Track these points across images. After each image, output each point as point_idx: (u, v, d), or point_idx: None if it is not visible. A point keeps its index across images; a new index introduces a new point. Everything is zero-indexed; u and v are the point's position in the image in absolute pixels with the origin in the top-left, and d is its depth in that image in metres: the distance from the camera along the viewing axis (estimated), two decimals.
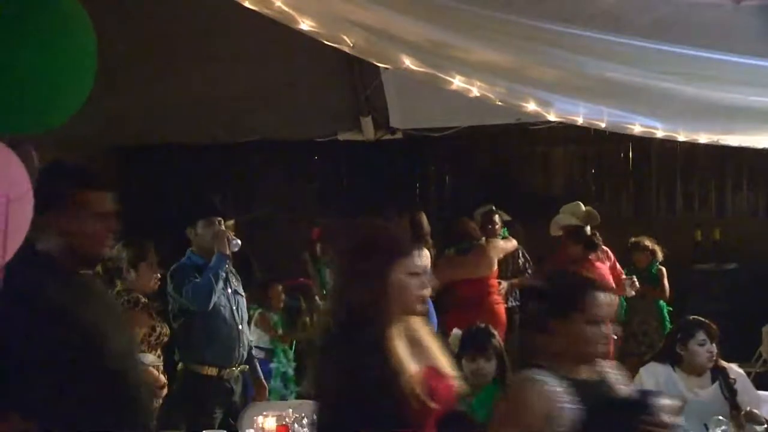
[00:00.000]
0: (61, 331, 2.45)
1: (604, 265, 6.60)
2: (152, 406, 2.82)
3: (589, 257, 6.52)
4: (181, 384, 4.95)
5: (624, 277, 6.78)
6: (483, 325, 4.34)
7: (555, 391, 2.67)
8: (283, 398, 6.39)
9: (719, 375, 4.44)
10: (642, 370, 4.55)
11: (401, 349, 2.62)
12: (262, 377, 5.39)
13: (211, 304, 4.92)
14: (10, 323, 2.41)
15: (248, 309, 6.63)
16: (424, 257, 2.84)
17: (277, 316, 6.82)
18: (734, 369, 4.54)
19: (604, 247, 7.02)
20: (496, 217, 7.46)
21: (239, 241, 5.10)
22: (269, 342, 6.69)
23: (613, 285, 6.39)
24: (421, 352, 2.74)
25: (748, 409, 4.18)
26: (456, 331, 4.28)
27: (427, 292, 2.78)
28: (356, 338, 2.61)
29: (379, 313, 2.63)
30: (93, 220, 2.63)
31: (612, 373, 2.89)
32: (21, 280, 2.48)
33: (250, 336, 6.56)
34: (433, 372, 2.70)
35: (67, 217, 2.61)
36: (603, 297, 2.80)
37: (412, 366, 2.62)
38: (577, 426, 2.64)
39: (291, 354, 6.77)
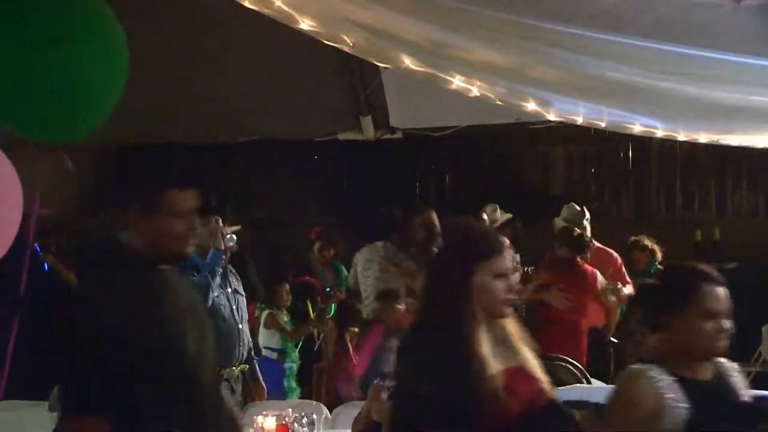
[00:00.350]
0: (135, 327, 2.43)
1: (592, 268, 6.46)
2: (225, 403, 2.80)
3: (578, 259, 6.43)
4: None
5: (605, 283, 6.46)
6: None
7: (664, 388, 2.60)
8: (299, 397, 6.43)
9: None
10: None
11: (483, 349, 2.58)
12: (261, 378, 5.39)
13: (210, 302, 4.92)
14: (86, 317, 2.41)
15: (256, 308, 6.69)
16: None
17: (286, 315, 6.84)
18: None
19: (609, 251, 6.91)
20: (484, 215, 7.40)
21: (234, 237, 5.11)
22: (280, 342, 6.72)
23: (599, 290, 6.34)
24: (507, 352, 2.68)
25: None
26: None
27: (514, 295, 2.71)
28: (437, 337, 2.58)
29: (461, 314, 2.60)
30: (177, 219, 2.62)
31: (733, 373, 2.80)
32: (101, 274, 2.50)
33: (260, 337, 6.62)
34: (517, 372, 2.65)
35: (152, 215, 2.61)
36: (718, 290, 2.69)
37: (493, 366, 2.58)
38: (687, 426, 2.57)
39: (297, 352, 6.80)
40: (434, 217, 6.44)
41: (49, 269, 6.45)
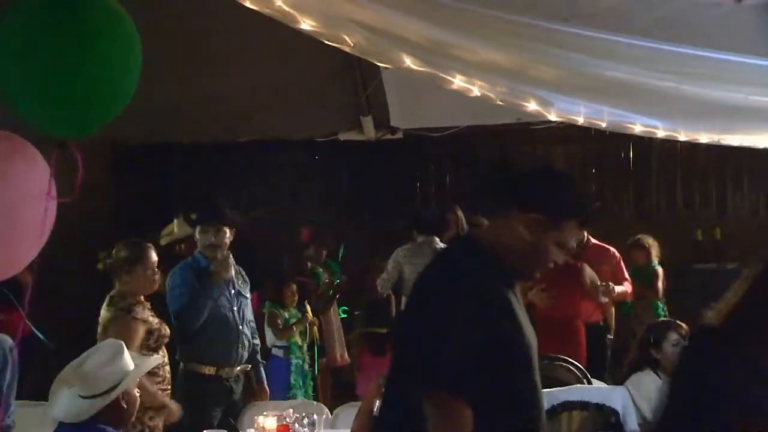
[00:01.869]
0: (512, 330, 2.41)
1: (579, 263, 6.39)
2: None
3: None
4: (180, 383, 4.97)
5: (599, 283, 6.43)
6: None
7: None
8: (305, 395, 6.47)
9: None
10: (628, 384, 4.57)
11: None
12: (265, 379, 5.41)
13: (198, 324, 4.94)
14: (478, 314, 2.36)
15: (264, 307, 6.76)
16: None
17: (288, 314, 6.89)
18: None
19: (607, 247, 6.88)
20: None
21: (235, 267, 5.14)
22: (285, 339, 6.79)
23: (589, 285, 6.31)
24: None
25: None
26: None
27: None
28: (735, 355, 2.38)
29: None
30: (560, 246, 2.50)
31: None
32: (485, 280, 2.43)
33: (266, 336, 6.67)
34: None
35: (547, 230, 2.47)
36: None
37: None
38: None
39: (305, 348, 6.84)
40: (461, 214, 6.72)
41: None
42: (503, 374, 2.35)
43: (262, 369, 5.40)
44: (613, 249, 6.82)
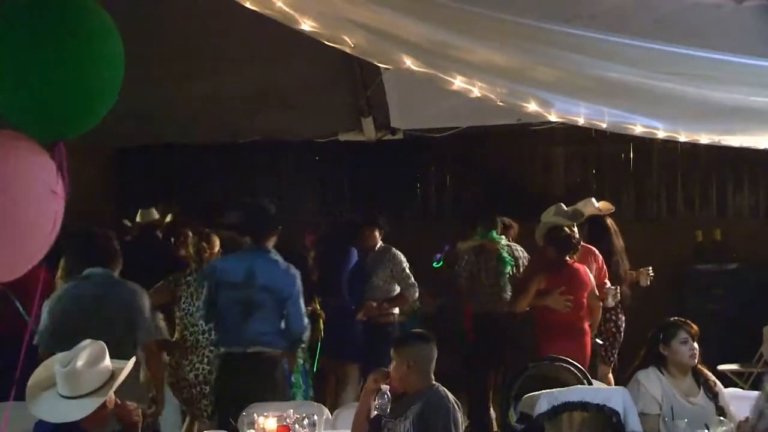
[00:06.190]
0: None
1: (583, 266, 6.39)
2: None
3: (567, 258, 6.33)
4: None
5: (608, 286, 6.52)
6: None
7: None
8: (304, 395, 6.48)
9: (701, 380, 4.57)
10: (640, 377, 4.58)
11: None
12: None
13: None
14: None
15: None
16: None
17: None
18: (710, 373, 4.70)
19: (591, 248, 6.83)
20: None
21: None
22: None
23: (590, 289, 6.31)
24: None
25: (749, 416, 4.20)
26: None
27: None
28: None
29: None
30: None
31: None
32: None
33: None
34: None
35: None
36: None
37: None
38: None
39: (306, 348, 6.87)
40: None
41: None
42: None
43: None
44: (596, 250, 6.79)
